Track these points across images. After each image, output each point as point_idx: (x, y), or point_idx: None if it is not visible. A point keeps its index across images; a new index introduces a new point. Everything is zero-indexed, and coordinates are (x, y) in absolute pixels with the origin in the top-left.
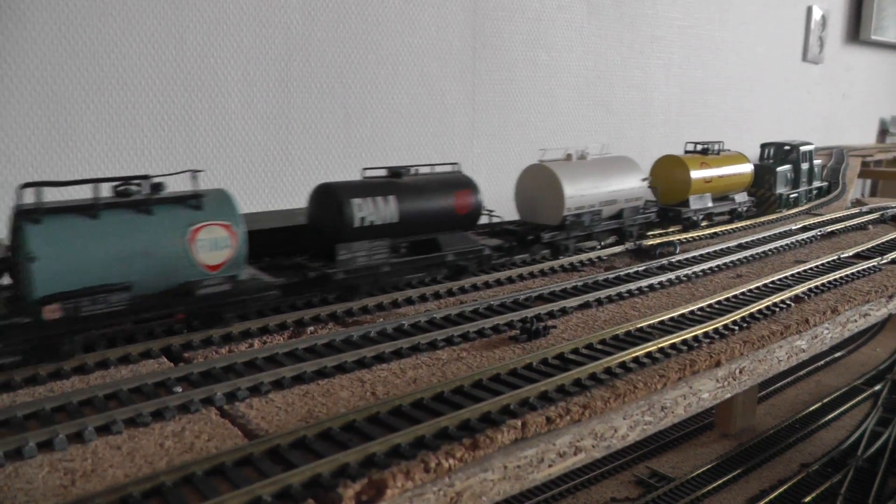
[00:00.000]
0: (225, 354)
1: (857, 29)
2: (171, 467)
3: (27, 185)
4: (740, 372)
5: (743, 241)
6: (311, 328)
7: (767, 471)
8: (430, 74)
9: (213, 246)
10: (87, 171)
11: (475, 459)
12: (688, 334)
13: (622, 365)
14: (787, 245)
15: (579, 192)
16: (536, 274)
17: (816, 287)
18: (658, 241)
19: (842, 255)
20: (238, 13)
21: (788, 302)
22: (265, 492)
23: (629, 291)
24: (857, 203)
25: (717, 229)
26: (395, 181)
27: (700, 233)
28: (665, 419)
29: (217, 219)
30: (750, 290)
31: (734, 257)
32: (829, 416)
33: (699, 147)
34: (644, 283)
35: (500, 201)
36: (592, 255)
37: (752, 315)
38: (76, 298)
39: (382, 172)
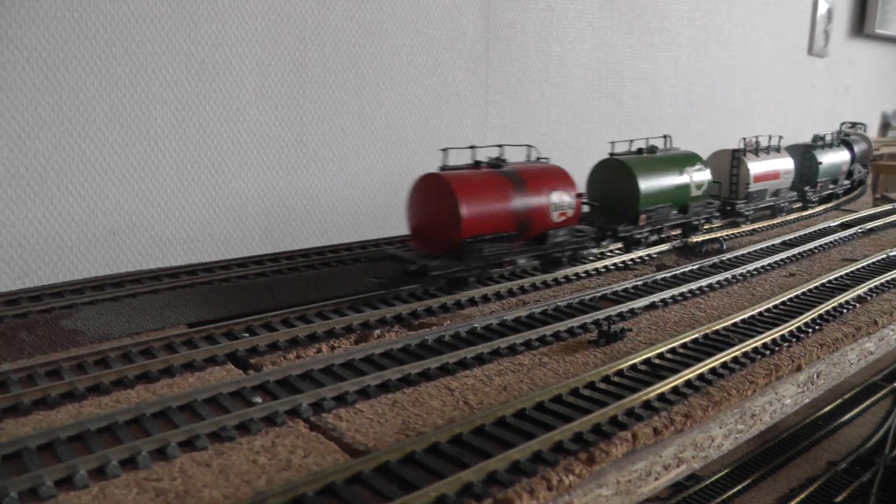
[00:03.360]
0: (294, 360)
1: (861, 22)
2: (281, 488)
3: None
4: (818, 376)
5: (786, 238)
6: (378, 331)
7: (794, 469)
8: (443, 65)
9: None
10: (100, 159)
11: (591, 475)
12: (767, 337)
13: (713, 371)
14: (830, 242)
15: None
16: (592, 273)
17: (877, 287)
18: (704, 237)
19: (890, 254)
20: (252, 1)
21: (853, 303)
22: None
23: (691, 291)
24: (884, 199)
25: (757, 226)
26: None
27: (740, 229)
28: (754, 427)
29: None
30: (810, 290)
31: (782, 255)
32: (851, 413)
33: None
34: (704, 282)
35: None
36: (642, 253)
37: (821, 316)
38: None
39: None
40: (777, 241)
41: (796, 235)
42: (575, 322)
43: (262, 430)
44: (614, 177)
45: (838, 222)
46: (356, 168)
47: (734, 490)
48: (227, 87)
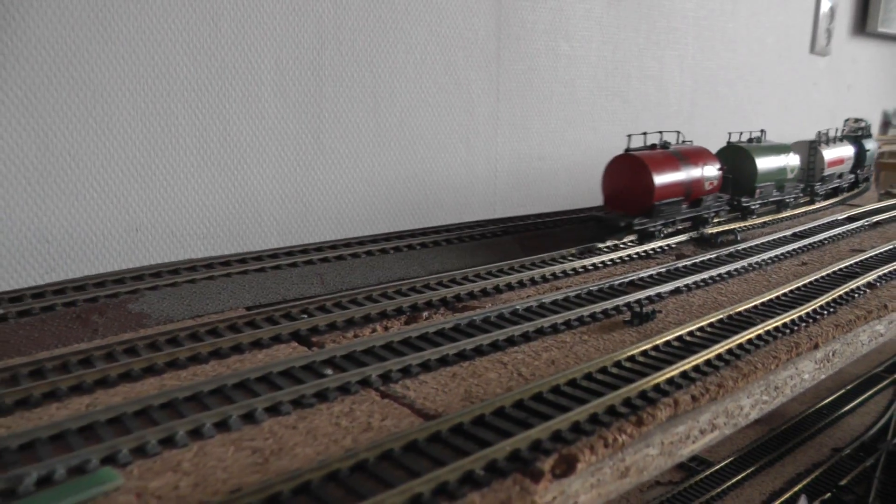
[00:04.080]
0: (353, 339)
1: (863, 21)
2: (368, 445)
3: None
4: (833, 354)
5: (796, 230)
6: (426, 313)
7: (801, 454)
8: (456, 63)
9: None
10: (123, 157)
11: (640, 435)
12: (786, 318)
13: (740, 346)
14: (839, 234)
15: None
16: (617, 262)
17: (885, 274)
18: (719, 229)
19: None
20: (272, 1)
21: (864, 288)
22: (475, 466)
23: (711, 278)
24: (888, 194)
25: (767, 218)
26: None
27: (753, 222)
28: (777, 399)
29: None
30: (822, 277)
31: (794, 246)
32: (854, 403)
33: None
34: (723, 270)
35: (519, 188)
36: (662, 243)
37: (835, 300)
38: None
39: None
40: (788, 232)
41: (805, 228)
42: (608, 304)
43: (338, 397)
44: (735, 158)
45: (845, 216)
46: (371, 163)
47: (743, 474)
48: (247, 85)
